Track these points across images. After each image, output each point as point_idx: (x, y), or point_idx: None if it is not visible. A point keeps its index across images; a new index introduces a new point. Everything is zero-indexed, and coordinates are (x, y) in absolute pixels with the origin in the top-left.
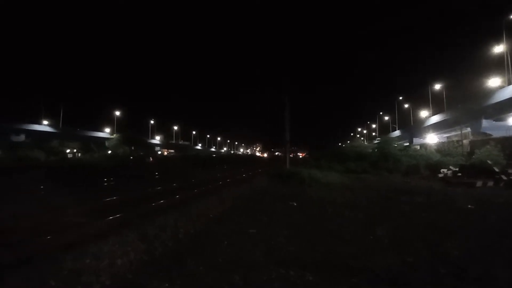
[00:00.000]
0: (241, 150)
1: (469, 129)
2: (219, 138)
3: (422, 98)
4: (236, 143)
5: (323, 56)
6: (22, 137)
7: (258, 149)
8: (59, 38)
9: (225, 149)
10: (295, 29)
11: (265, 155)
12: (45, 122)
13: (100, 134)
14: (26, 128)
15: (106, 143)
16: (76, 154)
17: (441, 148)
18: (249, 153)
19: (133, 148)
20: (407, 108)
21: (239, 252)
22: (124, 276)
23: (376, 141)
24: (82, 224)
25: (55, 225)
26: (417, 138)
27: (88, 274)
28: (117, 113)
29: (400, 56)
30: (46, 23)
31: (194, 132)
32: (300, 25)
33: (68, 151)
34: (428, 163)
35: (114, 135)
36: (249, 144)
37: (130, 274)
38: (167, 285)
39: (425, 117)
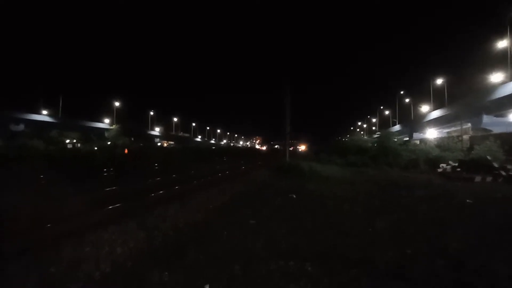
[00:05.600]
0: (241, 142)
1: (469, 124)
2: (218, 131)
3: (423, 93)
4: (236, 135)
5: (324, 49)
6: (21, 127)
7: (257, 142)
8: (60, 30)
9: (224, 141)
10: (297, 21)
11: (264, 148)
12: (45, 112)
13: (100, 125)
14: (25, 117)
15: (106, 134)
16: (76, 144)
17: (440, 143)
18: (249, 145)
19: (132, 139)
20: (408, 102)
21: (239, 243)
22: (124, 264)
23: (376, 135)
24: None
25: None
26: (417, 133)
27: (89, 262)
28: (117, 104)
29: (403, 50)
30: (46, 15)
31: (194, 124)
32: (301, 17)
33: (68, 141)
34: (428, 158)
35: (114, 126)
36: (248, 136)
37: (130, 263)
38: (167, 274)
39: (426, 112)
